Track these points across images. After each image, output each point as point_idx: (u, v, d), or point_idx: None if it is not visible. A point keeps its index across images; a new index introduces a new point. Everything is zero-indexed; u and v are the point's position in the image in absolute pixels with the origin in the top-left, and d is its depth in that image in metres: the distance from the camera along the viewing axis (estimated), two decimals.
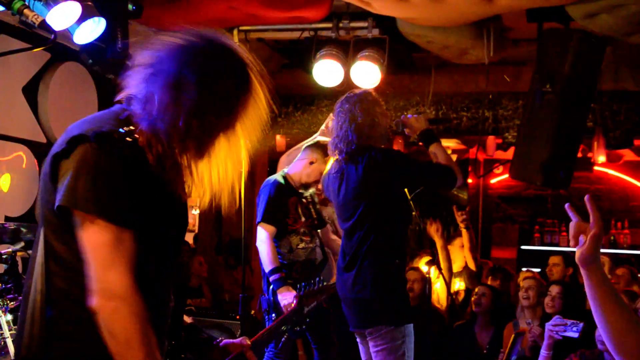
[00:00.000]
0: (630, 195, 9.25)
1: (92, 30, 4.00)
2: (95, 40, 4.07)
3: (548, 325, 3.53)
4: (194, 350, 2.00)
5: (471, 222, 6.36)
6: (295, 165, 4.39)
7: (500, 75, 5.56)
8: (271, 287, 4.14)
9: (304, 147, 4.43)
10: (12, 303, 3.83)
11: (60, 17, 3.62)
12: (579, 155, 5.36)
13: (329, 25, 5.00)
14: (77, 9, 3.75)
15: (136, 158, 1.58)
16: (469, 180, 9.61)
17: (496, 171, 9.39)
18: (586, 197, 1.79)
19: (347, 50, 4.97)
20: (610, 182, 9.27)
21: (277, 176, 4.37)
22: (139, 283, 1.53)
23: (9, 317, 3.66)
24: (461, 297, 5.75)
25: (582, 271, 1.74)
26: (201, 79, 1.63)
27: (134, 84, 1.69)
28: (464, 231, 6.06)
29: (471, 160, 9.38)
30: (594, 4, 3.92)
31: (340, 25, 4.97)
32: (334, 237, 4.68)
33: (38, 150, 5.29)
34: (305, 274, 4.25)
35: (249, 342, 2.06)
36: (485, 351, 4.89)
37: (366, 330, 3.33)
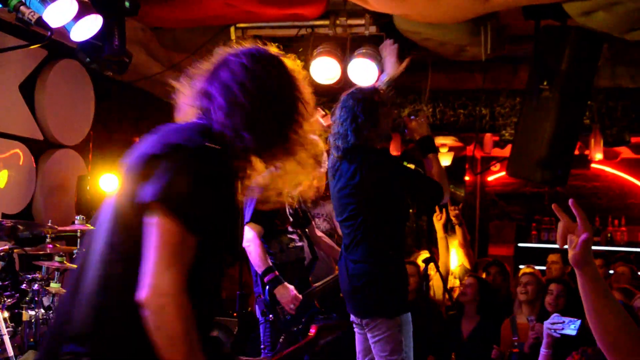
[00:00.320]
0: (627, 192, 9.26)
1: (88, 27, 3.99)
2: (92, 37, 4.07)
3: (546, 324, 3.54)
4: None
5: (468, 220, 6.38)
6: None
7: (497, 72, 5.57)
8: (266, 287, 4.11)
9: None
10: (9, 300, 3.83)
11: (57, 15, 3.62)
12: (576, 152, 5.37)
13: (326, 22, 4.99)
14: (74, 6, 3.74)
15: (221, 171, 1.70)
16: (466, 178, 9.63)
17: (493, 168, 9.40)
18: (570, 202, 1.80)
19: (344, 48, 4.97)
20: (607, 180, 9.29)
21: None
22: (189, 288, 1.60)
23: (6, 314, 3.66)
24: (456, 293, 5.77)
25: (576, 271, 1.75)
26: (265, 91, 1.76)
27: (204, 102, 1.80)
28: (457, 228, 6.08)
29: (468, 157, 9.38)
30: (591, 1, 3.93)
31: (337, 22, 4.97)
32: (320, 234, 4.68)
33: (35, 147, 5.29)
34: (296, 273, 4.24)
35: None
36: (465, 340, 4.96)
37: (363, 320, 3.36)
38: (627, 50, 5.03)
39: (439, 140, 8.43)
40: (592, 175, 9.14)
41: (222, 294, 6.95)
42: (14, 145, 5.09)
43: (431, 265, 4.46)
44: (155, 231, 1.60)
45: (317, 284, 4.31)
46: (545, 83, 4.44)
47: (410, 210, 3.63)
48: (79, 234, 4.45)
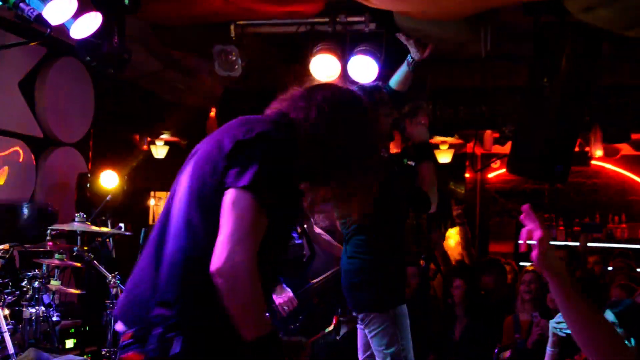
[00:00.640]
0: (628, 189, 9.26)
1: (88, 25, 3.99)
2: (92, 35, 4.07)
3: (552, 323, 3.54)
4: None
5: (468, 217, 6.38)
6: None
7: (497, 69, 5.56)
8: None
9: None
10: (9, 298, 3.84)
11: (57, 12, 3.62)
12: (576, 149, 5.37)
13: (326, 19, 4.98)
14: (73, 3, 3.74)
15: (295, 160, 1.89)
16: (466, 175, 9.63)
17: (493, 165, 9.40)
18: (524, 207, 1.82)
19: (344, 45, 4.96)
20: (608, 176, 9.29)
21: None
22: (258, 262, 1.76)
23: (6, 311, 3.67)
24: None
25: (546, 275, 1.76)
26: (348, 117, 1.98)
27: (286, 105, 2.00)
28: (459, 227, 6.09)
29: (468, 154, 9.38)
30: None
31: (337, 19, 4.96)
32: (319, 230, 4.69)
33: (35, 145, 5.29)
34: (294, 271, 4.25)
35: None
36: (457, 340, 5.03)
37: (359, 315, 3.40)
38: (627, 47, 5.02)
39: (439, 138, 8.43)
40: (592, 172, 9.14)
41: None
42: (14, 142, 5.09)
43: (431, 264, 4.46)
44: (235, 208, 1.76)
45: (315, 280, 4.32)
46: (545, 80, 4.44)
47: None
48: (78, 232, 4.45)
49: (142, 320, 1.81)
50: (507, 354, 4.59)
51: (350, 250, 3.45)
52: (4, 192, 4.98)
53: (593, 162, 8.22)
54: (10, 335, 3.59)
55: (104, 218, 5.18)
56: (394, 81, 3.62)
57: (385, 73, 4.95)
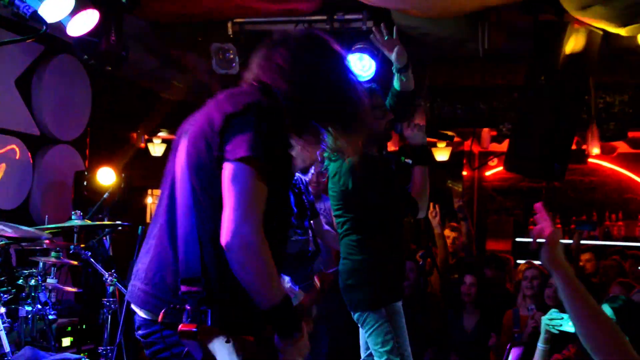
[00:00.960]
0: (624, 187, 9.28)
1: (85, 22, 3.98)
2: (89, 32, 4.06)
3: (544, 319, 3.55)
4: None
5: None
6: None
7: (495, 67, 5.56)
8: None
9: None
10: (5, 296, 3.82)
11: (53, 9, 3.61)
12: (574, 147, 5.37)
13: (324, 17, 4.98)
14: (70, 1, 3.73)
15: (283, 127, 1.91)
16: (464, 173, 9.63)
17: (491, 163, 9.41)
18: (536, 205, 1.88)
19: (342, 42, 4.95)
20: (605, 174, 9.31)
21: None
22: (265, 230, 1.80)
23: (3, 310, 3.65)
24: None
25: (552, 272, 1.79)
26: (317, 65, 2.00)
27: (261, 72, 2.02)
28: (461, 222, 6.11)
29: (466, 152, 9.38)
30: None
31: (335, 17, 4.96)
32: (327, 227, 4.68)
33: (31, 143, 5.28)
34: (297, 266, 4.25)
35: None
36: (469, 334, 5.08)
37: (355, 315, 3.42)
38: (623, 45, 5.02)
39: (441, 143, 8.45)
40: (590, 170, 9.16)
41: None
42: (11, 140, 5.08)
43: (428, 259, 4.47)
44: (236, 181, 1.80)
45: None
46: (542, 78, 4.44)
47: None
48: (75, 230, 4.44)
49: (169, 301, 1.84)
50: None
51: (343, 251, 3.49)
52: (1, 190, 4.96)
53: (590, 160, 8.23)
54: (6, 333, 3.58)
55: (101, 216, 5.17)
56: (396, 85, 3.60)
57: (382, 70, 4.95)
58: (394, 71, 3.58)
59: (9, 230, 3.71)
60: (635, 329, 2.31)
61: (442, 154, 8.76)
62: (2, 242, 3.93)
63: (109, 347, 4.23)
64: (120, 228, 4.75)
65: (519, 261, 6.77)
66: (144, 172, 7.08)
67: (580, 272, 5.86)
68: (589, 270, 5.80)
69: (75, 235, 4.47)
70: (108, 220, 5.14)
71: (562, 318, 3.41)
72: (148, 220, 8.05)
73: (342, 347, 4.62)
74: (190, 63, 5.78)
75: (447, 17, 4.67)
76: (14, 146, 5.09)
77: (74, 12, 3.83)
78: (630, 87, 5.85)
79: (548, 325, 3.50)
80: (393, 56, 3.55)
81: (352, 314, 3.49)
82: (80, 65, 5.56)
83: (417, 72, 3.75)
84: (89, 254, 4.36)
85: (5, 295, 3.81)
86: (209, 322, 1.80)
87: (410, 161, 3.54)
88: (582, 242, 7.71)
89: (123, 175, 5.58)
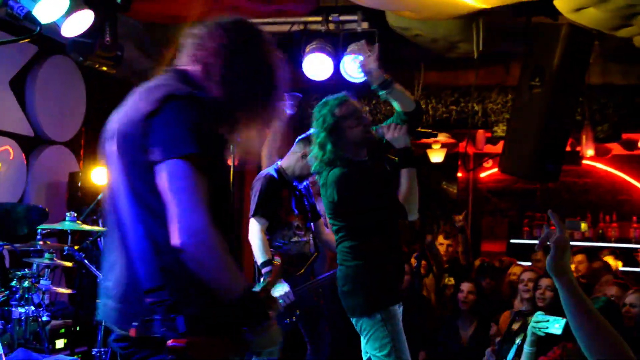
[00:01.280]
0: (619, 188, 9.30)
1: (79, 23, 3.97)
2: (84, 33, 4.05)
3: (531, 322, 3.56)
4: None
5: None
6: (288, 158, 4.38)
7: (489, 69, 5.57)
8: (262, 278, 4.13)
9: (297, 139, 4.40)
10: None
11: (48, 10, 3.60)
12: (568, 149, 5.38)
13: (319, 18, 4.99)
14: (65, 1, 3.72)
15: (209, 113, 1.83)
16: (459, 174, 9.64)
17: (486, 165, 9.42)
18: (549, 212, 1.90)
19: (337, 44, 4.96)
20: (599, 176, 9.33)
21: (270, 169, 4.36)
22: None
23: None
24: (450, 291, 5.80)
25: (555, 278, 1.80)
26: (243, 53, 1.94)
27: (185, 60, 1.97)
28: (459, 236, 6.12)
29: (461, 154, 9.39)
30: None
31: (330, 18, 4.97)
32: (327, 230, 4.68)
33: (25, 144, 5.26)
34: (297, 267, 4.25)
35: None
36: (465, 344, 5.02)
37: (352, 320, 3.42)
38: (617, 47, 5.04)
39: (435, 143, 8.45)
40: (584, 172, 9.18)
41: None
42: (4, 141, 5.06)
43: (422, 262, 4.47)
44: (173, 180, 1.74)
45: (316, 279, 4.32)
46: (536, 80, 4.45)
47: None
48: (69, 231, 4.42)
49: (139, 315, 1.80)
50: None
51: (339, 258, 3.48)
52: None
53: (584, 161, 8.25)
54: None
55: (95, 217, 5.16)
56: (397, 107, 3.52)
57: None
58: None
59: None
60: (615, 329, 2.33)
61: (437, 155, 8.77)
62: None
63: (102, 349, 4.22)
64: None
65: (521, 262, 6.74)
66: None
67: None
68: (582, 272, 5.81)
69: (70, 236, 4.46)
70: (102, 222, 5.12)
71: (547, 320, 3.42)
72: None
73: (344, 348, 4.64)
74: None
75: (441, 18, 4.68)
76: (7, 147, 5.08)
77: (68, 13, 3.82)
78: (624, 88, 5.87)
79: (534, 327, 3.51)
80: (371, 77, 3.41)
81: (350, 319, 3.50)
82: (74, 66, 5.55)
83: (411, 73, 3.74)
84: (83, 255, 4.35)
85: None
86: (183, 328, 1.76)
87: (396, 158, 3.51)
88: (578, 243, 7.74)
89: None
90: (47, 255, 4.18)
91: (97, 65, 4.50)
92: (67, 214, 4.35)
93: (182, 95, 1.81)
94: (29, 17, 2.28)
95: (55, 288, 4.41)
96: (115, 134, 1.90)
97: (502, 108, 5.89)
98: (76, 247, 4.41)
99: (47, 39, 4.95)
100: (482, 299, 5.24)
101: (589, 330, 1.75)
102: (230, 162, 4.51)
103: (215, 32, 1.97)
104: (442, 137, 8.48)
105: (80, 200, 5.25)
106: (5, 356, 3.52)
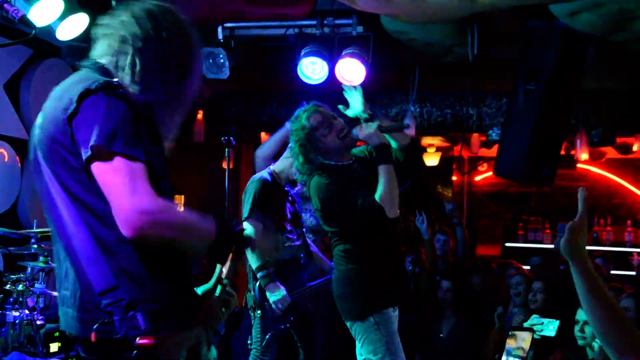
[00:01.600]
0: (613, 192, 9.33)
1: (75, 26, 3.96)
2: (79, 36, 4.04)
3: (525, 325, 3.58)
4: None
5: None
6: (282, 162, 4.38)
7: (484, 73, 5.59)
8: (257, 283, 4.13)
9: (289, 145, 4.40)
10: None
11: (43, 13, 3.59)
12: (562, 152, 5.40)
13: (314, 22, 5.00)
14: (60, 5, 3.72)
15: (129, 105, 1.79)
16: (454, 178, 9.66)
17: (480, 168, 9.44)
18: (581, 189, 1.88)
19: (332, 48, 4.97)
20: (593, 180, 9.35)
21: (264, 173, 4.36)
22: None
23: None
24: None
25: (570, 262, 1.77)
26: (154, 40, 1.92)
27: (98, 52, 1.96)
28: (456, 229, 6.14)
29: (455, 157, 9.42)
30: (576, 2, 3.95)
31: (325, 22, 4.98)
32: (314, 248, 4.67)
33: (20, 147, 5.25)
34: (290, 272, 4.25)
35: None
36: (441, 335, 5.16)
37: (347, 324, 3.43)
38: (612, 51, 5.06)
39: (427, 141, 8.46)
40: (578, 175, 9.20)
41: None
42: None
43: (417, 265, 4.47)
44: (109, 175, 1.72)
45: (310, 285, 4.32)
46: (531, 83, 4.47)
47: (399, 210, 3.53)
48: None
49: (96, 318, 1.77)
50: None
51: (334, 262, 3.51)
52: None
53: (579, 165, 8.28)
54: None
55: None
56: (392, 143, 3.50)
57: (372, 76, 4.97)
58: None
59: None
60: None
61: (431, 159, 8.79)
62: None
63: None
64: None
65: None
66: None
67: (561, 276, 5.88)
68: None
69: None
70: None
71: (542, 323, 3.43)
72: None
73: (340, 352, 4.64)
74: None
75: (437, 22, 4.69)
76: (2, 150, 5.06)
77: (63, 16, 3.81)
78: (619, 92, 5.89)
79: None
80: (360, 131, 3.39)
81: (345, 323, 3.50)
82: (69, 69, 5.53)
83: (406, 77, 3.74)
84: None
85: None
86: (144, 324, 1.75)
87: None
88: None
89: None
90: (41, 258, 4.16)
91: None
92: None
93: (99, 89, 1.78)
94: (24, 21, 2.29)
95: (49, 292, 4.39)
96: (42, 140, 1.87)
97: (497, 112, 5.90)
98: None
99: (42, 42, 4.94)
100: (468, 296, 5.30)
101: (603, 315, 1.71)
102: (224, 165, 4.52)
103: (126, 20, 1.95)
104: (437, 141, 8.50)
105: None
106: None
